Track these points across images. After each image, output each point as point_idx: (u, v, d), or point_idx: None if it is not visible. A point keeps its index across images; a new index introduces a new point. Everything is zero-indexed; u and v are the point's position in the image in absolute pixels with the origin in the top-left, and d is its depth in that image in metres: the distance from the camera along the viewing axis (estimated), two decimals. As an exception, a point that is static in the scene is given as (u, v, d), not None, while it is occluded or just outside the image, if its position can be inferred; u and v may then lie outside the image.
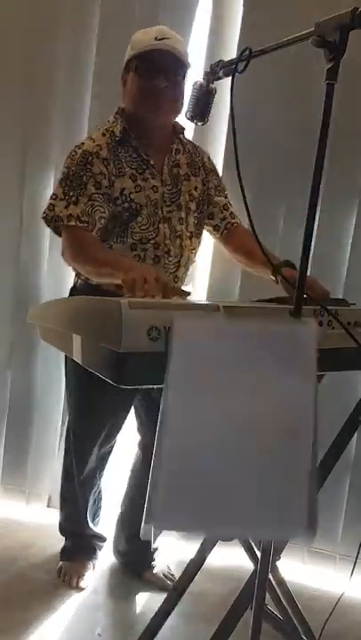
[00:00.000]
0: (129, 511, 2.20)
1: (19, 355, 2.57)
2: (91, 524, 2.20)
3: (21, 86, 2.42)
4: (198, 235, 1.93)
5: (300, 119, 2.12)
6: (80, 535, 2.21)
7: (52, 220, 1.75)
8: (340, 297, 1.83)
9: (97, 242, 1.75)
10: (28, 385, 2.56)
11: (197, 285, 2.38)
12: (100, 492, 2.20)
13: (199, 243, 1.96)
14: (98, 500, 2.21)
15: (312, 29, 1.04)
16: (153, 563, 2.20)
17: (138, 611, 1.95)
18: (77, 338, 1.21)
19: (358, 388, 2.24)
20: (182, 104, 1.74)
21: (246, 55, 1.25)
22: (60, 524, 2.23)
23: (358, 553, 1.53)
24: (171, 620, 1.57)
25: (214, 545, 1.56)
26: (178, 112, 1.79)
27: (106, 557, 2.27)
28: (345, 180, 2.22)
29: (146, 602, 2.05)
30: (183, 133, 1.92)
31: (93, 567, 2.21)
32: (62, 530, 2.23)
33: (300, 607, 1.67)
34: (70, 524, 2.21)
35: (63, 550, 2.22)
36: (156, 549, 2.22)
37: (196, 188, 1.90)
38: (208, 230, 2.00)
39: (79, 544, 2.22)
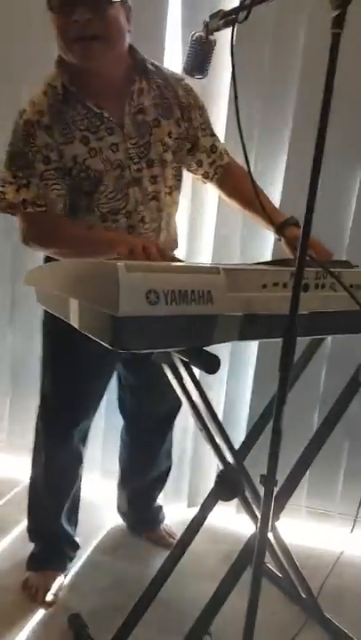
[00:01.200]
0: (127, 472, 2.19)
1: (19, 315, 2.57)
2: (66, 526, 1.95)
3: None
4: (179, 185, 1.71)
5: (302, 69, 2.06)
6: (52, 538, 1.95)
7: (7, 208, 1.57)
8: (344, 259, 1.80)
9: (63, 221, 1.57)
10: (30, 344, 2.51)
11: (202, 247, 2.34)
12: (79, 487, 1.99)
13: (180, 191, 1.74)
14: (76, 496, 1.98)
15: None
16: (156, 522, 2.24)
17: (142, 569, 1.98)
18: (74, 302, 1.19)
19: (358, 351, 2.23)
20: (123, 33, 1.48)
21: (248, 3, 1.19)
22: (29, 523, 1.98)
23: (358, 511, 1.55)
24: (173, 578, 1.60)
25: (215, 503, 1.59)
26: (119, 46, 1.48)
27: (111, 517, 2.31)
28: (349, 139, 2.15)
29: (149, 560, 2.08)
30: (146, 64, 1.58)
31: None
32: (31, 531, 1.98)
33: (298, 565, 1.71)
34: (41, 524, 1.96)
35: (30, 558, 1.97)
36: (159, 508, 2.25)
37: (170, 134, 1.61)
38: (197, 178, 1.82)
39: (50, 550, 1.96)
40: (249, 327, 1.18)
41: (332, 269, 1.26)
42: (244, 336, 1.21)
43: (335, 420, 1.50)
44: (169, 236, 1.75)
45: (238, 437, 1.73)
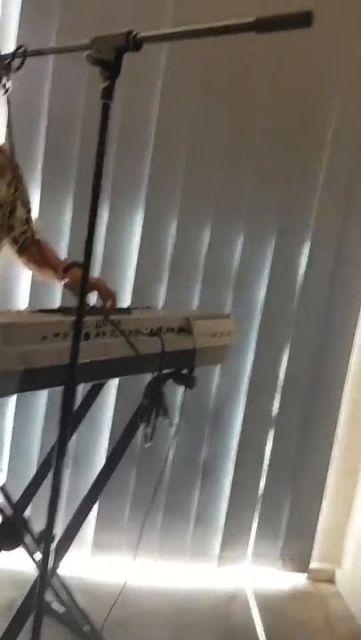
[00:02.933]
0: None
1: None
2: None
3: None
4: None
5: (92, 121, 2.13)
6: None
7: None
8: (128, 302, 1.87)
9: None
10: None
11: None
12: None
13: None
14: None
15: (87, 42, 1.03)
16: None
17: None
18: None
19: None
20: None
21: (21, 53, 1.19)
22: None
23: (139, 540, 1.61)
24: None
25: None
26: None
27: None
28: (130, 184, 2.28)
29: None
30: None
31: None
32: None
33: (79, 602, 1.72)
34: None
35: None
36: None
37: None
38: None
39: None
40: (29, 380, 1.16)
41: (111, 318, 1.31)
42: (24, 388, 1.18)
43: (116, 462, 1.55)
44: None
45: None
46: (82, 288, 1.08)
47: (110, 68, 1.01)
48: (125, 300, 2.29)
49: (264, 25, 0.87)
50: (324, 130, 2.34)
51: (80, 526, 1.53)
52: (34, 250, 1.82)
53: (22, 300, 2.30)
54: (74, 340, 1.08)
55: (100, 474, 1.56)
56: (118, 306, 1.63)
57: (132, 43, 0.99)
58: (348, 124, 2.34)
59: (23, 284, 2.29)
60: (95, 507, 2.38)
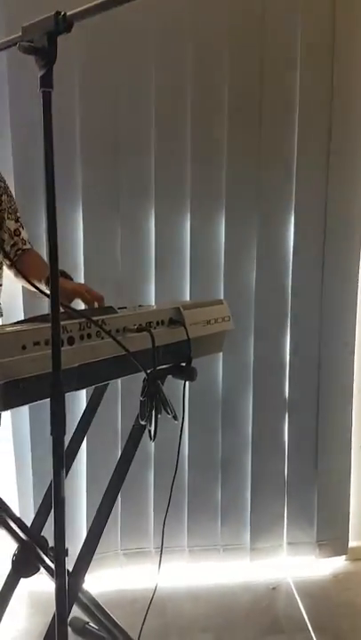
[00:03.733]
0: None
1: None
2: None
3: None
4: None
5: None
6: None
7: None
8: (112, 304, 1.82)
9: None
10: None
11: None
12: None
13: (1, 264, 1.78)
14: None
15: (19, 34, 0.98)
16: None
17: None
18: None
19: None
20: None
21: None
22: None
23: (162, 542, 1.55)
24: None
25: (18, 582, 1.47)
26: None
27: None
28: (104, 181, 2.23)
29: None
30: None
31: None
32: None
33: (113, 617, 1.66)
34: None
35: None
36: None
37: None
38: None
39: None
40: (12, 394, 1.11)
41: (94, 318, 1.26)
42: (9, 404, 1.13)
43: (126, 466, 1.49)
44: None
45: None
46: (52, 290, 1.03)
47: (45, 54, 0.96)
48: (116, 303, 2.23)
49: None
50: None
51: (99, 537, 1.47)
52: (24, 260, 1.80)
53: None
54: (53, 343, 1.03)
55: (110, 481, 1.50)
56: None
57: (63, 23, 0.94)
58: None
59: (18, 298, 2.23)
60: (119, 515, 2.36)
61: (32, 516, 1.71)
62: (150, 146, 2.23)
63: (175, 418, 1.43)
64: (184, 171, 2.27)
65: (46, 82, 0.96)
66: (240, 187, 2.32)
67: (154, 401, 1.38)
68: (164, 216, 2.29)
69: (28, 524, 1.57)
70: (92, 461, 2.31)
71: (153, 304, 2.28)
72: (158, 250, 2.30)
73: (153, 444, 2.25)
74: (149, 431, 1.40)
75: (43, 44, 0.96)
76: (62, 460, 1.06)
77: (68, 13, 0.93)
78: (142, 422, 1.39)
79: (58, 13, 0.93)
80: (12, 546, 2.29)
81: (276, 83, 2.27)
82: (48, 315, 1.31)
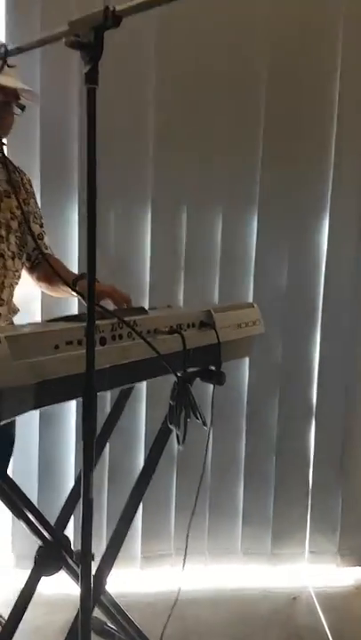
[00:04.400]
0: None
1: None
2: None
3: None
4: (20, 256, 1.77)
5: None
6: None
7: None
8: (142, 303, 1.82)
9: None
10: None
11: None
12: None
13: (22, 265, 1.80)
14: None
15: (66, 28, 0.96)
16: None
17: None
18: None
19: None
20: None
21: (2, 53, 1.14)
22: None
23: (186, 545, 1.53)
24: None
25: (39, 579, 1.46)
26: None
27: None
28: (136, 184, 2.22)
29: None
30: (2, 148, 1.66)
31: None
32: None
33: (133, 619, 1.64)
34: None
35: None
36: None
37: (17, 207, 1.73)
38: None
39: None
40: (45, 393, 1.10)
41: (126, 319, 1.24)
42: (41, 403, 1.12)
43: (151, 471, 1.47)
44: (11, 295, 1.76)
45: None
46: (89, 292, 1.01)
47: (91, 50, 0.94)
48: (145, 303, 2.22)
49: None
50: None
51: (122, 540, 1.45)
52: (45, 265, 1.82)
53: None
54: (88, 344, 1.02)
55: (136, 485, 1.48)
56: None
57: (111, 19, 0.92)
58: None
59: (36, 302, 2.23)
60: (140, 517, 2.34)
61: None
62: (184, 146, 2.21)
63: (205, 424, 1.41)
64: (216, 173, 2.25)
65: (92, 78, 0.94)
66: (273, 188, 2.28)
67: (184, 405, 1.35)
68: (196, 217, 2.26)
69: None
70: (112, 461, 2.30)
71: (181, 305, 2.27)
72: (188, 250, 2.28)
73: (177, 447, 2.25)
74: (177, 435, 1.38)
75: (89, 40, 0.94)
76: (92, 461, 1.05)
77: (118, 8, 0.91)
78: (171, 426, 1.37)
79: (107, 8, 0.91)
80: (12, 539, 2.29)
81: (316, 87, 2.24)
82: (76, 315, 1.31)
